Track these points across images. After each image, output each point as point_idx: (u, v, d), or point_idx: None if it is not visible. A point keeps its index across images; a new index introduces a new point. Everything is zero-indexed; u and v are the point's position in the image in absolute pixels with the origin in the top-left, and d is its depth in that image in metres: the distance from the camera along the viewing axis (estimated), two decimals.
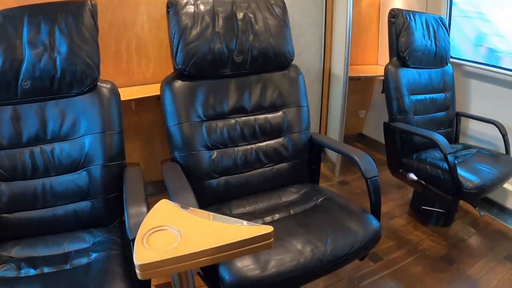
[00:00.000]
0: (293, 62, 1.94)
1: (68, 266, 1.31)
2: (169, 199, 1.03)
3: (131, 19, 2.33)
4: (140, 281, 1.16)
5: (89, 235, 1.50)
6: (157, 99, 2.21)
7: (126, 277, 1.23)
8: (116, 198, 1.57)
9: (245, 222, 0.95)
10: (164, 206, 0.99)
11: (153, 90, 2.33)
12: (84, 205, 1.56)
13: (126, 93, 2.22)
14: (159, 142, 2.65)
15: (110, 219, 1.60)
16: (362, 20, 3.45)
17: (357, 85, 3.58)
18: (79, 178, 1.54)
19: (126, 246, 1.42)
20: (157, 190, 2.62)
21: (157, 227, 0.89)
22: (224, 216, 1.02)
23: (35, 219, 1.50)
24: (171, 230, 0.88)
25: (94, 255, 1.36)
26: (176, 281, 0.97)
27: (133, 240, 1.10)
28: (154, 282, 1.87)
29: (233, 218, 0.98)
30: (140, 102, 2.36)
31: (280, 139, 1.87)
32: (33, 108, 1.50)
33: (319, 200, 1.72)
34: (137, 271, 0.78)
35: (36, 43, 1.46)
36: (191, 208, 1.04)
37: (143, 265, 0.77)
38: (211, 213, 1.01)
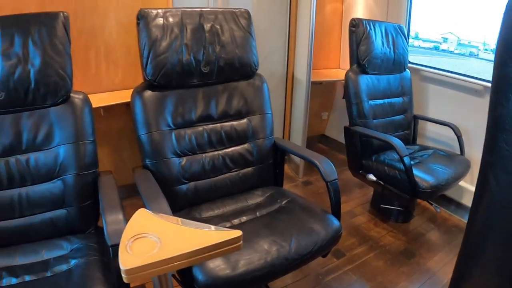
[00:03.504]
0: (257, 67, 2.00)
1: (49, 274, 1.34)
2: (142, 205, 1.10)
3: (100, 26, 2.34)
4: (120, 285, 1.24)
5: (66, 242, 1.52)
6: (126, 105, 2.23)
7: (106, 281, 1.29)
8: (91, 205, 1.61)
9: (213, 227, 1.03)
10: (142, 215, 1.07)
11: (122, 96, 2.33)
12: (60, 213, 1.57)
13: (95, 100, 2.16)
14: (128, 147, 2.65)
15: (86, 225, 1.63)
16: (325, 26, 3.52)
17: (320, 88, 3.65)
18: (54, 187, 1.55)
19: (103, 251, 1.46)
20: (126, 194, 2.59)
21: (137, 234, 0.96)
22: (193, 222, 1.10)
23: (13, 228, 1.50)
24: (151, 237, 0.96)
25: (73, 262, 1.39)
26: (156, 283, 1.05)
27: (112, 246, 1.19)
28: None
29: (202, 224, 1.07)
30: (109, 108, 2.36)
31: (245, 145, 1.94)
32: (7, 119, 1.50)
33: (283, 203, 1.81)
34: (123, 276, 0.85)
35: (10, 55, 1.46)
36: (161, 214, 1.12)
37: (129, 270, 0.84)
38: (179, 218, 1.10)
